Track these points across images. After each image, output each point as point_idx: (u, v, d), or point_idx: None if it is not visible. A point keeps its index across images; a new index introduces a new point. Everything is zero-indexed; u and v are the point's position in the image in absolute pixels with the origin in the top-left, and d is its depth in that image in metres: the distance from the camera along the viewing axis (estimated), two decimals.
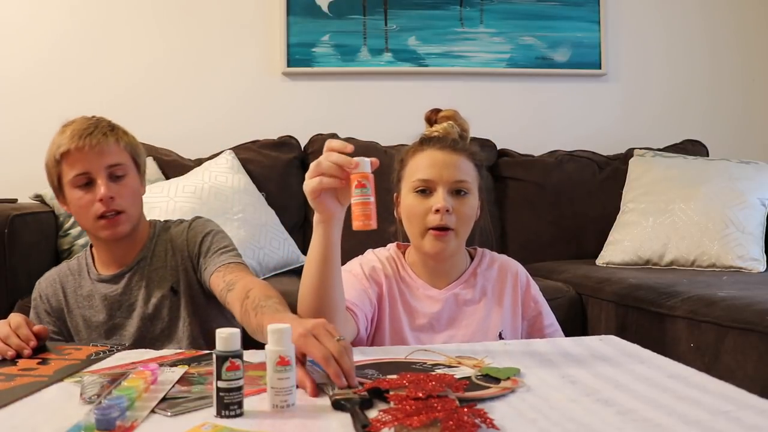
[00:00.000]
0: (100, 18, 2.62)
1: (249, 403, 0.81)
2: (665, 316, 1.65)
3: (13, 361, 1.05)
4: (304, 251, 1.11)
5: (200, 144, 2.48)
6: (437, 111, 1.38)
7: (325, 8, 2.69)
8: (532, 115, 2.81)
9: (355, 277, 1.29)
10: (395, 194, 1.36)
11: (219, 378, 0.78)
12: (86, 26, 2.61)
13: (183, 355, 1.09)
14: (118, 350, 1.13)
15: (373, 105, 2.73)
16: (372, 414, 0.76)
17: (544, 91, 2.82)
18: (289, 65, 2.68)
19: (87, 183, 1.29)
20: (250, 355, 1.00)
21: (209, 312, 1.37)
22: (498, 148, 2.64)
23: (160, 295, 1.35)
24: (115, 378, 0.91)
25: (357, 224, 0.98)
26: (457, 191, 1.27)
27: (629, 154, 2.56)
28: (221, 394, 0.78)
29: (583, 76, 2.83)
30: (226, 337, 0.79)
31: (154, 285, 1.36)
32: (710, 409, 0.78)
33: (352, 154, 0.99)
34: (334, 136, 2.45)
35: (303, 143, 2.55)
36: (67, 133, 1.29)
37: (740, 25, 2.92)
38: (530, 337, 1.36)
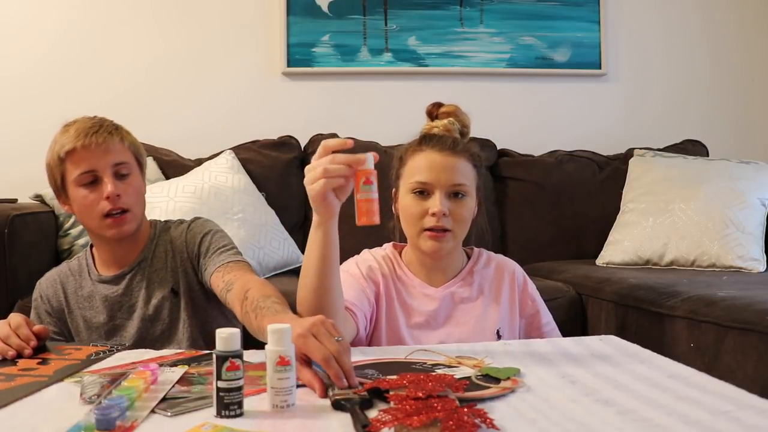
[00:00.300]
0: (100, 18, 2.62)
1: (249, 403, 0.81)
2: (665, 316, 1.65)
3: (13, 361, 1.05)
4: (305, 251, 1.10)
5: (200, 144, 2.48)
6: (439, 105, 1.37)
7: (325, 8, 2.69)
8: (532, 115, 2.81)
9: (353, 276, 1.29)
10: (393, 190, 1.36)
11: (219, 378, 0.78)
12: (86, 26, 2.61)
13: (183, 355, 1.09)
14: (118, 350, 1.13)
15: (373, 105, 2.73)
16: (372, 414, 0.76)
17: (544, 91, 2.82)
18: (289, 65, 2.68)
19: (92, 181, 1.29)
20: (250, 355, 1.00)
21: (209, 313, 1.37)
22: (498, 148, 2.64)
23: (160, 297, 1.35)
24: (115, 378, 0.91)
25: (362, 220, 0.98)
26: (455, 194, 1.27)
27: (629, 154, 2.56)
28: (221, 394, 0.78)
29: (583, 76, 2.83)
30: (226, 337, 0.79)
31: (155, 286, 1.36)
32: (710, 409, 0.78)
33: (352, 150, 0.99)
34: (334, 136, 2.45)
35: (303, 143, 2.55)
36: (72, 131, 1.29)
37: (740, 25, 2.92)
38: (528, 336, 1.37)
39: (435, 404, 0.76)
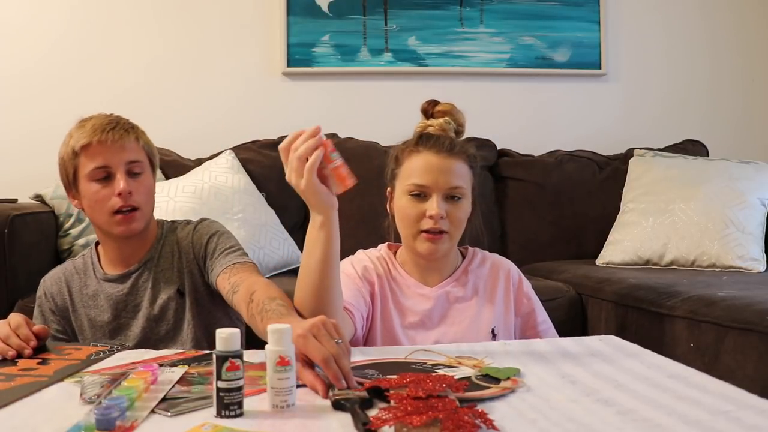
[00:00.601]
0: (99, 18, 2.62)
1: (249, 403, 0.81)
2: (665, 316, 1.65)
3: (13, 361, 1.05)
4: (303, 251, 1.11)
5: (200, 144, 2.48)
6: (434, 103, 1.37)
7: (325, 8, 2.69)
8: (532, 115, 2.81)
9: (349, 276, 1.29)
10: (388, 189, 1.36)
11: (219, 378, 0.78)
12: (86, 26, 2.61)
13: (183, 355, 1.09)
14: (118, 350, 1.13)
15: (373, 105, 2.73)
16: (372, 413, 0.76)
17: (544, 91, 2.82)
18: (289, 65, 2.68)
19: (105, 177, 1.30)
20: (250, 355, 1.00)
21: (214, 314, 1.37)
22: (498, 148, 2.64)
23: (166, 297, 1.35)
24: (115, 378, 0.91)
25: (347, 183, 1.04)
26: (451, 196, 1.27)
27: (629, 154, 2.56)
28: (221, 394, 0.78)
29: (583, 76, 2.83)
30: (226, 338, 0.79)
31: (161, 286, 1.36)
32: (710, 409, 0.78)
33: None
34: (333, 136, 2.45)
35: None
36: (88, 127, 1.30)
37: (740, 25, 2.91)
38: (523, 334, 1.37)
39: (435, 404, 0.76)
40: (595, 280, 1.99)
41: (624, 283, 1.87)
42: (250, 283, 1.19)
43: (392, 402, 0.78)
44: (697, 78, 2.90)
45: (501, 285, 1.37)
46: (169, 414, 0.79)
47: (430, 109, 1.37)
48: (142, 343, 1.33)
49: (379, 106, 2.72)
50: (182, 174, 2.28)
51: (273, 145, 2.49)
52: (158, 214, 1.95)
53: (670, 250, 2.18)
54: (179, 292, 1.35)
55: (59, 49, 2.59)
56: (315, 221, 1.06)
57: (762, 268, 2.10)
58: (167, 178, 2.29)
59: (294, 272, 2.18)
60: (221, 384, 0.78)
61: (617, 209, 2.39)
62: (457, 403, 0.78)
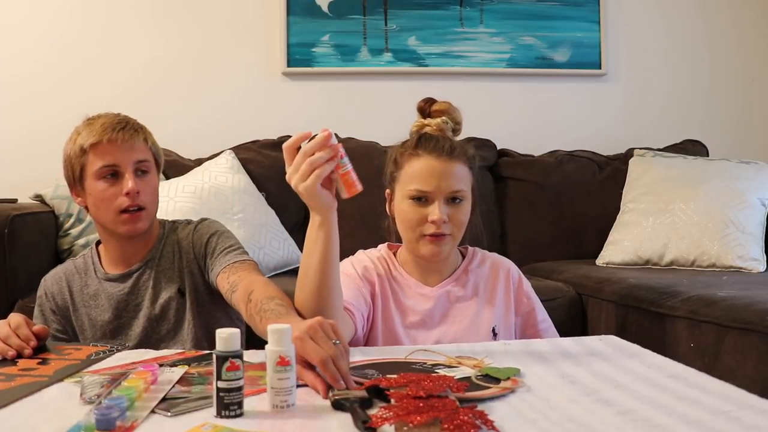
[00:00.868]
0: (99, 18, 2.62)
1: (249, 403, 0.81)
2: (665, 316, 1.65)
3: (13, 361, 1.05)
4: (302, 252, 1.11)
5: (200, 144, 2.48)
6: (431, 102, 1.36)
7: (325, 8, 2.69)
8: (532, 115, 2.81)
9: (349, 276, 1.29)
10: (387, 191, 1.36)
11: (219, 378, 0.78)
12: (86, 26, 2.61)
13: (183, 355, 1.09)
14: (118, 350, 1.13)
15: (373, 105, 2.73)
16: (372, 412, 0.76)
17: (544, 91, 2.82)
18: (289, 65, 2.67)
19: (112, 175, 1.30)
20: (250, 355, 1.00)
21: (214, 314, 1.37)
22: (498, 148, 2.63)
23: (167, 297, 1.35)
24: (115, 378, 0.91)
25: (353, 190, 1.03)
26: (453, 199, 1.27)
27: (629, 154, 2.56)
28: (221, 394, 0.78)
29: (583, 76, 2.83)
30: (226, 338, 0.79)
31: (162, 286, 1.36)
32: (710, 409, 0.78)
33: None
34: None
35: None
36: (97, 125, 1.30)
37: (740, 25, 2.91)
38: (524, 334, 1.37)
39: (436, 404, 0.76)
40: (595, 280, 1.99)
41: (624, 283, 1.87)
42: (249, 282, 1.19)
43: (392, 401, 0.78)
44: (697, 78, 2.90)
45: (501, 284, 1.37)
46: (169, 414, 0.79)
47: (426, 108, 1.36)
48: (142, 343, 1.33)
49: (379, 106, 2.72)
50: (182, 174, 2.28)
51: (273, 145, 2.49)
52: (158, 214, 1.95)
53: (670, 250, 2.18)
54: (180, 291, 1.35)
55: (59, 49, 2.59)
56: (314, 221, 1.06)
57: (762, 268, 2.10)
58: (167, 178, 2.28)
59: (294, 272, 2.19)
60: (221, 384, 0.78)
61: (617, 209, 2.39)
62: (458, 403, 0.78)
